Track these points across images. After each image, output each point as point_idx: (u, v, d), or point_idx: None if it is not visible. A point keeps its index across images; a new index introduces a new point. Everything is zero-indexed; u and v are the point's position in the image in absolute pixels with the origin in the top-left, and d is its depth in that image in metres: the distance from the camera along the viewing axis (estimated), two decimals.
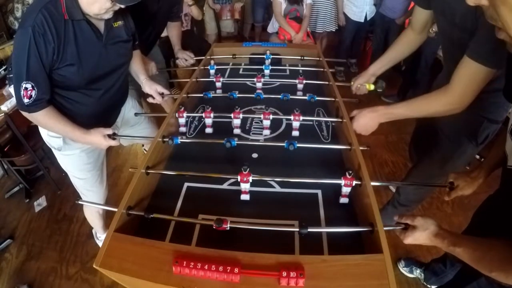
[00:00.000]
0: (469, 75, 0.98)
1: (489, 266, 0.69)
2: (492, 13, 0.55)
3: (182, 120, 1.31)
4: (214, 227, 0.80)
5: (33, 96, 1.04)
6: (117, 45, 1.22)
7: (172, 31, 1.99)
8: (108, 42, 1.17)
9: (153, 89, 1.46)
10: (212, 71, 1.72)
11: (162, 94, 1.47)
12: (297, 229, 0.80)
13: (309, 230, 0.79)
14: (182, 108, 1.28)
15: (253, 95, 1.40)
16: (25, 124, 2.05)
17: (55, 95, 1.14)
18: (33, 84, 1.03)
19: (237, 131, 1.31)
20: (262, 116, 1.25)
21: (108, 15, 1.09)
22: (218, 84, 1.58)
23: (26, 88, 1.02)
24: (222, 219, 0.80)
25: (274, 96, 1.40)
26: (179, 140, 1.14)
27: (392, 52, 1.45)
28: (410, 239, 0.81)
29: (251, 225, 0.85)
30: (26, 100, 1.04)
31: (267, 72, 1.71)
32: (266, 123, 1.27)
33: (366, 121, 1.18)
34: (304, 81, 1.52)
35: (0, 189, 2.40)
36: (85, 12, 1.05)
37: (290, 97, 1.37)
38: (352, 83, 1.54)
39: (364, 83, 1.51)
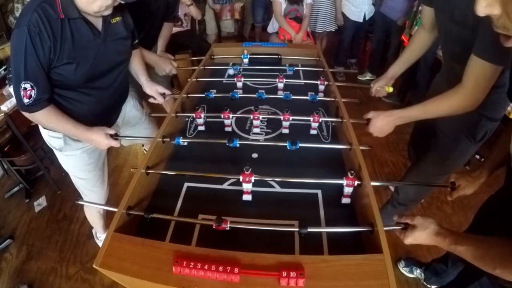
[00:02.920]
0: (477, 73, 0.99)
1: (492, 264, 0.69)
2: (504, 22, 0.52)
3: (200, 121, 1.31)
4: (214, 227, 0.80)
5: (32, 95, 1.04)
6: (116, 42, 1.21)
7: (163, 31, 1.98)
8: (106, 39, 1.16)
9: (153, 90, 1.46)
10: (232, 72, 1.72)
11: (163, 95, 1.47)
12: (297, 229, 0.80)
13: (309, 230, 0.79)
14: (200, 109, 1.28)
15: (255, 95, 1.40)
16: (25, 124, 2.05)
17: (54, 95, 1.13)
18: (32, 84, 1.02)
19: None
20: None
21: (108, 12, 1.08)
22: (239, 84, 1.57)
23: (25, 88, 1.02)
24: (221, 218, 0.80)
25: (274, 96, 1.40)
26: (181, 140, 1.14)
27: (408, 53, 1.48)
28: (410, 238, 0.80)
29: (251, 225, 0.85)
30: (26, 100, 1.04)
31: (290, 73, 1.72)
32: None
33: (383, 125, 1.20)
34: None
35: (0, 189, 2.40)
36: (82, 10, 1.05)
37: (293, 97, 1.37)
38: (371, 85, 1.56)
39: (384, 85, 1.52)
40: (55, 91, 1.13)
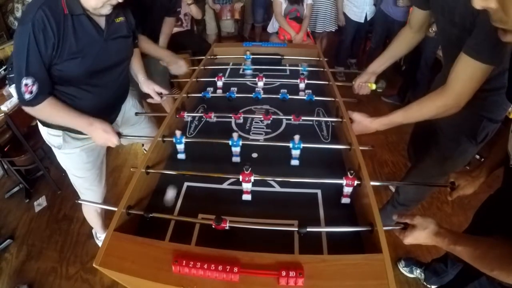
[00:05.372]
0: (466, 72, 0.97)
1: (490, 265, 0.69)
2: (501, 16, 0.53)
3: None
4: (213, 226, 0.80)
5: (34, 91, 1.05)
6: (118, 40, 1.22)
7: (164, 28, 1.98)
8: (109, 37, 1.18)
9: (150, 89, 1.46)
10: (249, 72, 1.74)
11: (160, 94, 1.48)
12: (296, 229, 0.80)
13: (308, 229, 0.79)
14: (181, 112, 1.29)
15: (252, 95, 1.40)
16: (25, 124, 2.06)
17: (54, 92, 1.14)
18: (34, 80, 1.04)
19: (237, 129, 1.32)
20: (262, 117, 1.25)
21: (106, 10, 1.09)
22: (219, 84, 1.58)
23: (26, 84, 1.03)
24: (221, 218, 0.80)
25: (273, 96, 1.40)
26: (184, 139, 1.14)
27: (391, 50, 1.47)
28: (410, 238, 0.80)
29: (251, 225, 0.85)
30: (27, 96, 1.05)
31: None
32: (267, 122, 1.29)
33: (364, 129, 1.20)
34: (306, 81, 1.52)
35: (0, 189, 2.41)
36: (84, 7, 1.06)
37: (289, 97, 1.37)
38: (353, 82, 1.54)
39: (365, 82, 1.51)
40: (56, 87, 1.14)
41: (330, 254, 0.82)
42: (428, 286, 1.65)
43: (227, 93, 1.41)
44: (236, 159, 1.12)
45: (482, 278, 0.95)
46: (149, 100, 1.50)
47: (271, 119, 1.26)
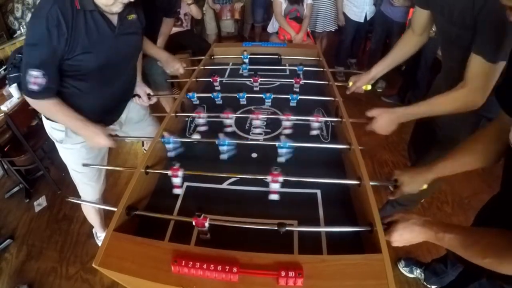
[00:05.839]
0: (478, 72, 0.99)
1: (482, 253, 0.67)
2: None
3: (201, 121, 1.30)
4: (193, 223, 0.80)
5: (43, 84, 1.06)
6: (129, 36, 1.24)
7: (163, 28, 1.99)
8: (121, 33, 1.19)
9: (142, 91, 1.50)
10: (245, 71, 1.75)
11: (148, 95, 1.52)
12: (297, 228, 0.80)
13: (308, 229, 0.79)
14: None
15: (255, 95, 1.40)
16: (25, 124, 2.06)
17: (64, 84, 1.15)
18: (44, 73, 1.05)
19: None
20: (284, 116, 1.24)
21: (117, 8, 1.10)
22: (216, 84, 1.57)
23: (36, 76, 1.04)
24: (201, 214, 0.79)
25: (281, 96, 1.40)
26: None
27: (393, 54, 1.45)
28: (395, 234, 0.79)
29: (251, 225, 0.85)
30: (34, 87, 1.05)
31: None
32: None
33: (387, 122, 1.18)
34: (301, 81, 1.52)
35: (0, 189, 2.41)
36: (96, 3, 1.07)
37: (300, 97, 1.36)
38: (350, 83, 1.54)
39: (363, 85, 1.51)
40: (66, 81, 1.15)
41: (329, 254, 0.82)
42: (428, 286, 1.65)
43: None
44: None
45: (482, 279, 0.95)
46: (135, 101, 1.51)
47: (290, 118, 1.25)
